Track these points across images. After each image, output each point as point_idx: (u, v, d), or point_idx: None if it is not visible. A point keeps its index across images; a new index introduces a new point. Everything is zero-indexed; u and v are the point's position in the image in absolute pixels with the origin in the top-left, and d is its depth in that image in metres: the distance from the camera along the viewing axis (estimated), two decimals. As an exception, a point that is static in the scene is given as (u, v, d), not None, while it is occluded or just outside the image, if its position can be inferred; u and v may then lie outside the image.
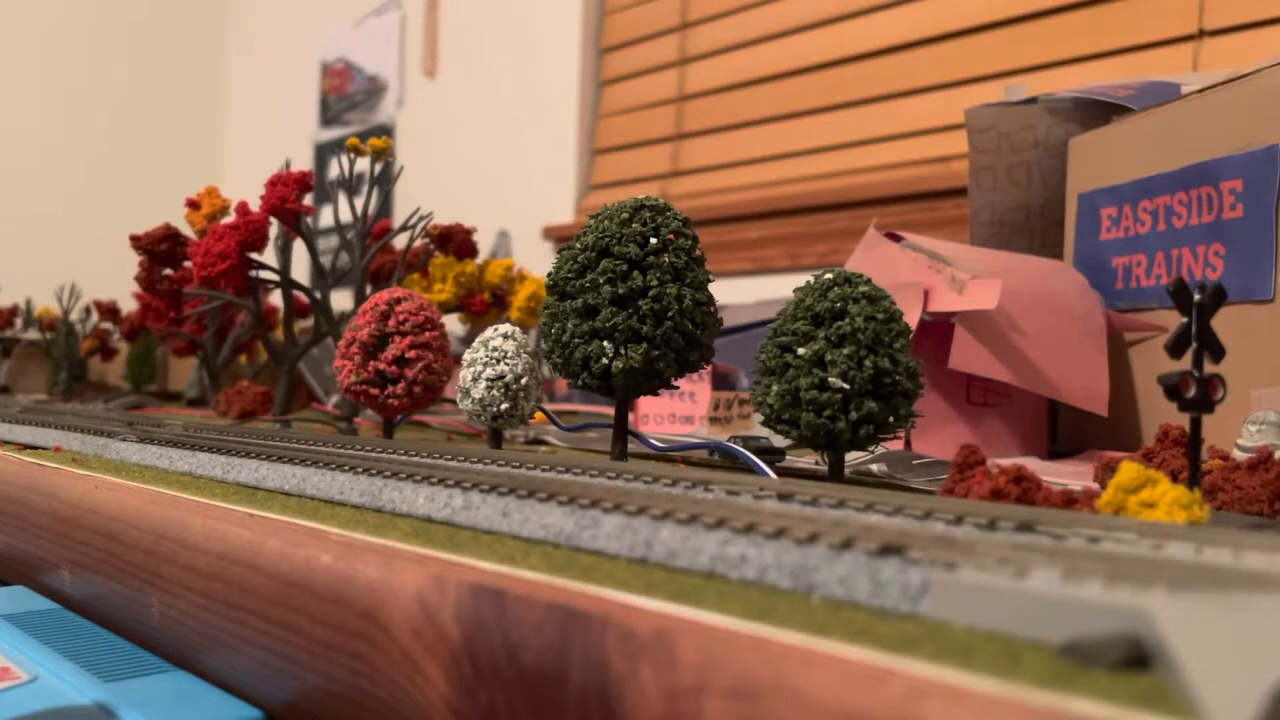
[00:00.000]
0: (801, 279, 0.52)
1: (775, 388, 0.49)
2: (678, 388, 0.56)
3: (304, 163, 2.71)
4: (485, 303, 1.10)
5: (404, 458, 0.47)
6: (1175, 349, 0.36)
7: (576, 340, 0.52)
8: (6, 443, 0.66)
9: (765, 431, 0.70)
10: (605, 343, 0.51)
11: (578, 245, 0.53)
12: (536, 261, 1.80)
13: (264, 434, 0.61)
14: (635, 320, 0.51)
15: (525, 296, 1.12)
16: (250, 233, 0.87)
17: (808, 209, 1.61)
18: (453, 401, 0.85)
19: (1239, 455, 0.51)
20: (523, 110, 2.18)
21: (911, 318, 0.65)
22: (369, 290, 0.96)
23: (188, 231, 1.06)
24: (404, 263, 1.00)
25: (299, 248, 1.36)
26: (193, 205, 1.00)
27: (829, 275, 0.50)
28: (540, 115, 2.13)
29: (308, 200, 0.90)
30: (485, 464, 0.45)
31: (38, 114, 2.74)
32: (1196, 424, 0.38)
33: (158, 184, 2.78)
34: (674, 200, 1.76)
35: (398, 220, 1.01)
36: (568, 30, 2.08)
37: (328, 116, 2.72)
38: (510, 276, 1.13)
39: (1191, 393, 0.36)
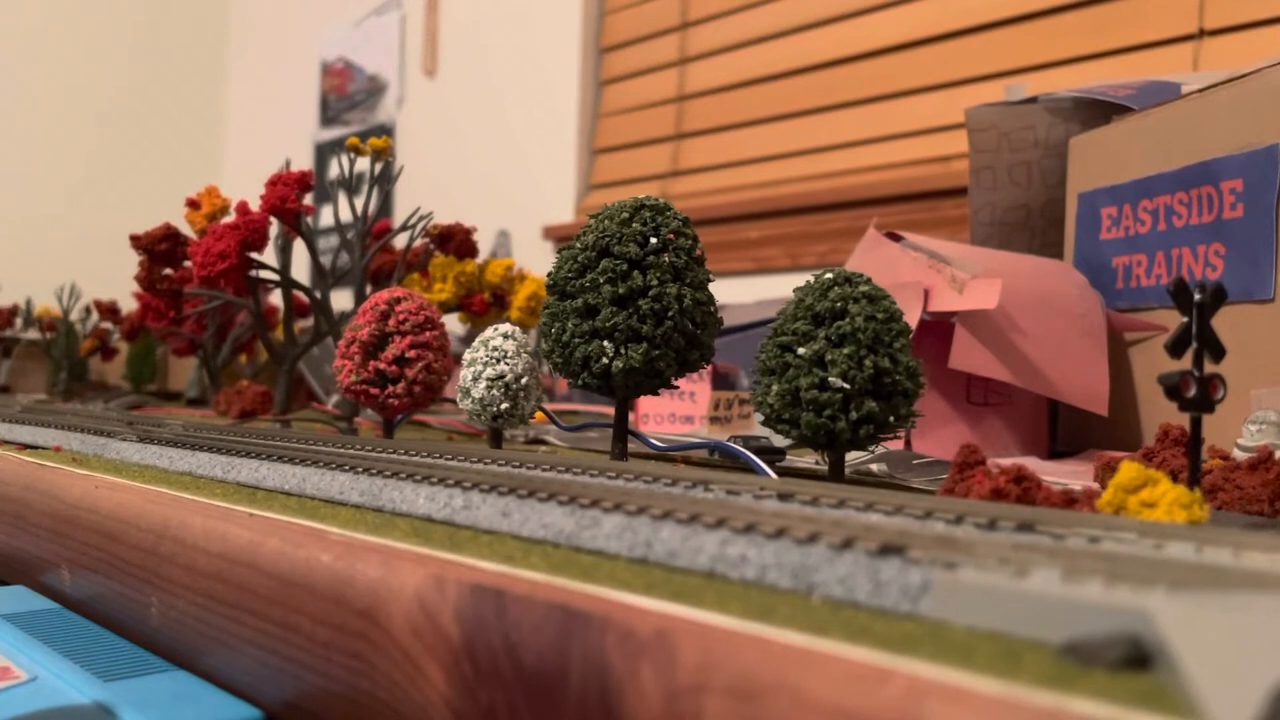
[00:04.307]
0: (801, 279, 0.52)
1: (775, 387, 0.49)
2: (678, 388, 0.56)
3: (304, 162, 2.71)
4: (485, 302, 1.10)
5: (404, 457, 0.47)
6: (1175, 349, 0.36)
7: (576, 340, 0.52)
8: (6, 442, 0.66)
9: (765, 431, 0.70)
10: (605, 342, 0.51)
11: (578, 245, 0.53)
12: (536, 261, 1.80)
13: (264, 434, 0.61)
14: (635, 320, 0.51)
15: (525, 296, 1.12)
16: (250, 232, 0.87)
17: (808, 209, 1.61)
18: (453, 401, 0.85)
19: (1239, 455, 0.51)
20: (523, 110, 2.18)
21: (911, 317, 0.65)
22: (369, 290, 0.96)
23: (188, 231, 1.06)
24: (404, 262, 1.00)
25: (299, 247, 1.36)
26: (193, 205, 1.00)
27: (829, 275, 0.50)
28: (540, 115, 2.13)
29: (308, 200, 0.90)
30: (485, 464, 0.45)
31: (38, 113, 2.74)
32: (1196, 424, 0.38)
33: (158, 184, 2.78)
34: (674, 200, 1.76)
35: (398, 220, 1.01)
36: (568, 30, 2.08)
37: (328, 116, 2.72)
38: (510, 276, 1.13)
39: (1191, 392, 0.36)
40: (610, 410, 0.88)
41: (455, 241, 1.05)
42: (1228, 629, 0.18)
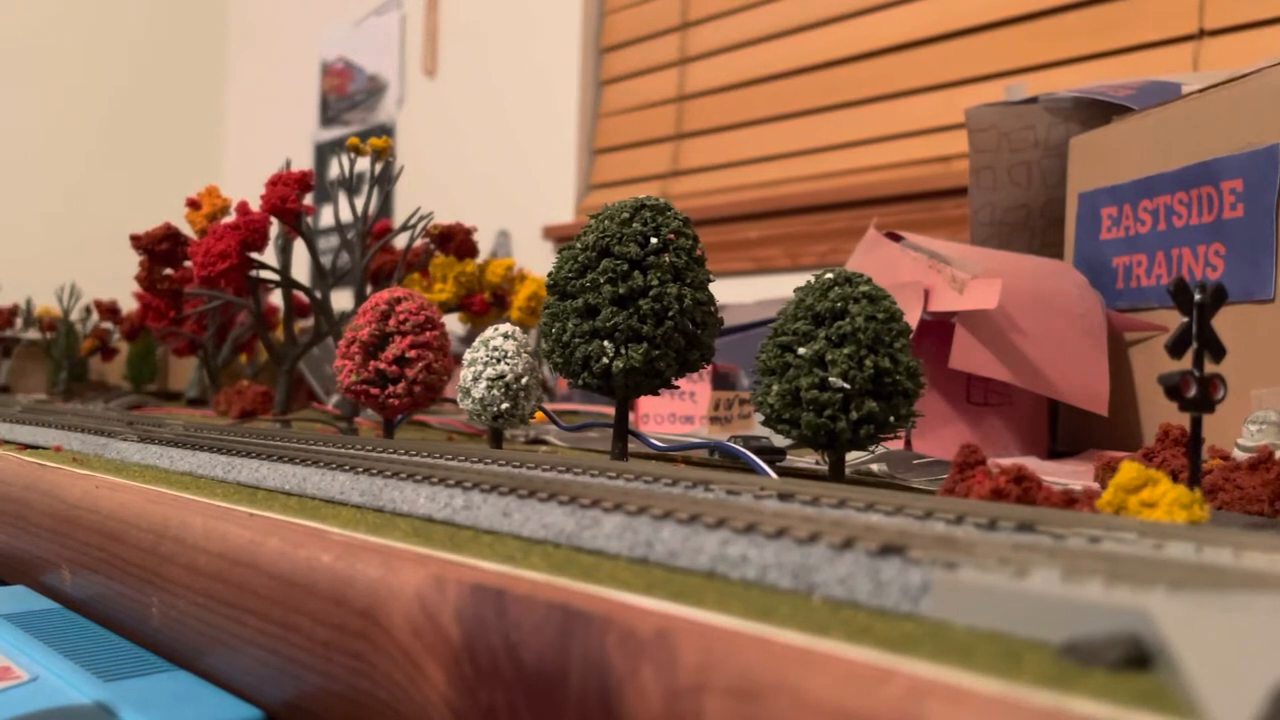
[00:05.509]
0: (801, 279, 0.52)
1: (775, 387, 0.49)
2: (678, 387, 0.56)
3: (304, 162, 2.71)
4: (485, 302, 1.10)
5: (404, 457, 0.47)
6: (1175, 349, 0.36)
7: (577, 340, 0.52)
8: (6, 442, 0.66)
9: (765, 431, 0.70)
10: (605, 342, 0.51)
11: (578, 245, 0.53)
12: (536, 261, 1.80)
13: (264, 434, 0.61)
14: (635, 320, 0.51)
15: (525, 296, 1.12)
16: (250, 232, 0.87)
17: (808, 209, 1.61)
18: (453, 401, 0.85)
19: (1239, 455, 0.51)
20: (523, 110, 2.18)
21: (912, 317, 0.65)
22: (369, 290, 0.96)
23: (188, 231, 1.06)
24: (404, 262, 1.00)
25: (299, 247, 1.36)
26: (193, 205, 1.00)
27: (829, 275, 0.50)
28: (540, 115, 2.13)
29: (308, 200, 0.90)
30: (485, 464, 0.45)
31: (38, 113, 2.74)
32: (1197, 424, 0.38)
33: (158, 184, 2.78)
34: (674, 200, 1.76)
35: (398, 220, 1.01)
36: (568, 30, 2.08)
37: (328, 116, 2.72)
38: (510, 276, 1.13)
39: (1192, 392, 0.36)
40: (610, 410, 0.88)
41: (455, 241, 1.05)
42: (1228, 629, 0.18)
